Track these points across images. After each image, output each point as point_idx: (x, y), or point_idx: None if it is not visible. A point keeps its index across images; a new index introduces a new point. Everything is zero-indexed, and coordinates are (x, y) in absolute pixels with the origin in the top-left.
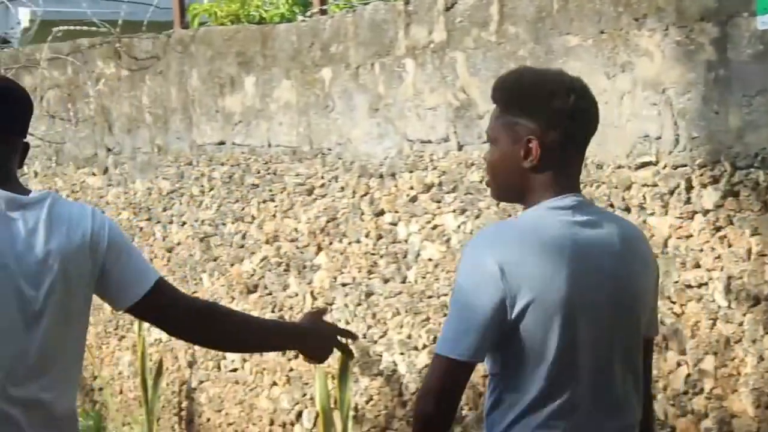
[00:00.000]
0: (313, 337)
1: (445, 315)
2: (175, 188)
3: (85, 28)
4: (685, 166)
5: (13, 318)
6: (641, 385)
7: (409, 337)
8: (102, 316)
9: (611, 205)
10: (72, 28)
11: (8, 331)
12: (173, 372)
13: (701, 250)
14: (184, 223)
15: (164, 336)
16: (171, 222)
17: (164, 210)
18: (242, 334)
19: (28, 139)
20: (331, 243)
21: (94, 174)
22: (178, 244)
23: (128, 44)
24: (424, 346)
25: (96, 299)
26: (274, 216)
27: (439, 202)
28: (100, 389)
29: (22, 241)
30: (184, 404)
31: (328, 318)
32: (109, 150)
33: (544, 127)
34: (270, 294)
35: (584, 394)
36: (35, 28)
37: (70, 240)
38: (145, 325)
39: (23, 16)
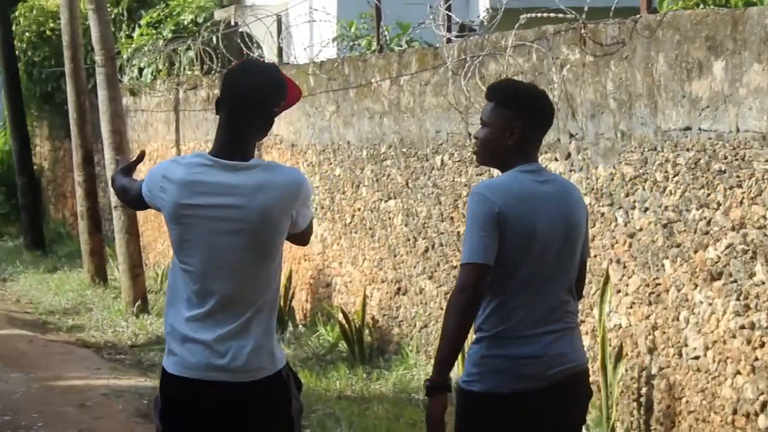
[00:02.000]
0: None
1: None
2: (638, 174)
3: (551, 15)
4: None
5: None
6: (575, 286)
7: None
8: None
9: None
10: (537, 15)
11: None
12: (633, 358)
13: None
14: (647, 209)
15: (624, 321)
16: (633, 208)
17: (626, 196)
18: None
19: None
20: None
21: (556, 159)
22: (640, 230)
23: (594, 30)
24: None
25: None
26: (741, 202)
27: None
28: None
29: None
30: (644, 390)
31: None
32: (571, 136)
33: (522, 119)
34: (735, 282)
35: (541, 289)
36: (500, 16)
37: (274, 197)
38: (606, 310)
39: (483, 5)
